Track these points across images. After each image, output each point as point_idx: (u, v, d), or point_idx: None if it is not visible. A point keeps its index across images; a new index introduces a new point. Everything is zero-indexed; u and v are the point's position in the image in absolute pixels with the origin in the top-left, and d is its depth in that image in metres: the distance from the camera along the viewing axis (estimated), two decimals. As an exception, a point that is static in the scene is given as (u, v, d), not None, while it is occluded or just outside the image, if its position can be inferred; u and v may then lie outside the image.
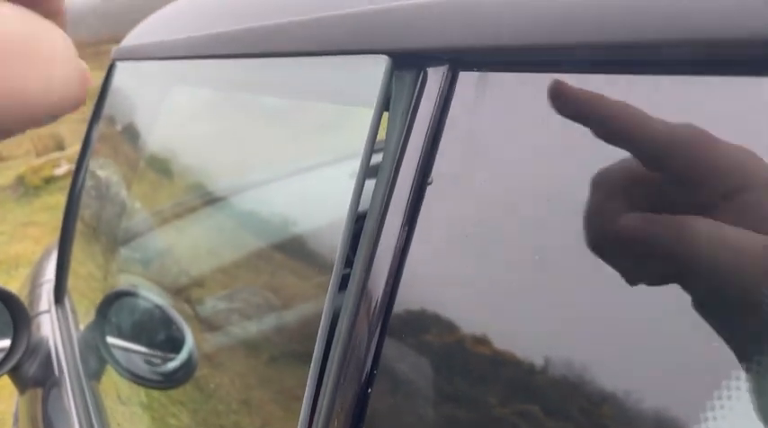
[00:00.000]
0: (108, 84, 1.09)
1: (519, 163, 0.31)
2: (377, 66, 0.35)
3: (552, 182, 0.30)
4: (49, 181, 6.36)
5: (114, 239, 1.34)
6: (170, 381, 1.04)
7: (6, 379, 3.17)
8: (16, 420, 1.98)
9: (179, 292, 1.22)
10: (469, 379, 0.35)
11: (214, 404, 0.99)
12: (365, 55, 0.36)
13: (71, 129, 9.90)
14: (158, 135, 1.11)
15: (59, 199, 6.31)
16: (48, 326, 1.33)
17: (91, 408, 0.99)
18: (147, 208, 1.37)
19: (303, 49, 0.42)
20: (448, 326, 0.36)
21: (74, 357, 1.14)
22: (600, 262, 0.28)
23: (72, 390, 1.04)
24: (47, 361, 1.23)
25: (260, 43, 0.50)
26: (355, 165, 0.43)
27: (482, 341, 0.33)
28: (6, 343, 1.22)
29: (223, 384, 1.00)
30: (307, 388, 0.43)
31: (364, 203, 0.38)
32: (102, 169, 1.28)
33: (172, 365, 1.05)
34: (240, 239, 1.21)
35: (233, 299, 1.15)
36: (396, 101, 0.35)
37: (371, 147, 0.37)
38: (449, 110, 0.33)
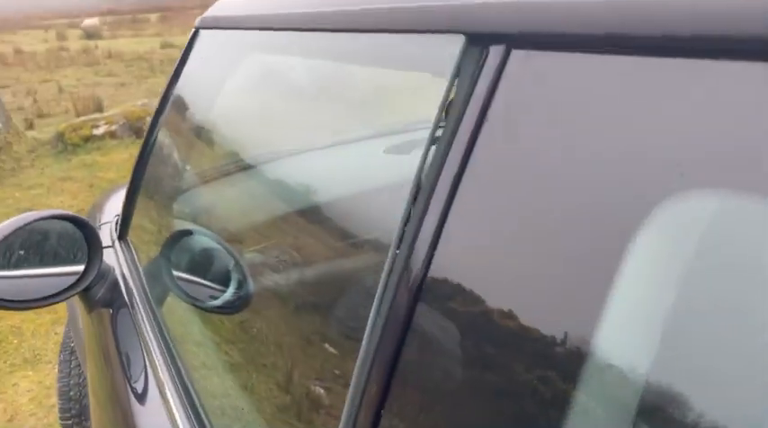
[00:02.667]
0: (189, 49, 1.25)
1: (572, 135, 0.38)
2: (454, 44, 0.46)
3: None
4: (88, 140, 6.58)
5: (176, 191, 1.51)
6: (228, 308, 1.19)
7: (46, 318, 3.37)
8: (65, 347, 2.17)
9: (231, 239, 1.38)
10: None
11: (257, 346, 1.12)
12: (443, 34, 0.47)
13: (109, 94, 10.17)
14: (230, 99, 1.26)
15: (96, 157, 6.54)
16: (113, 258, 1.50)
17: (163, 328, 1.15)
18: (207, 165, 1.53)
19: (389, 26, 0.54)
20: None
21: (141, 285, 1.31)
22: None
23: (144, 312, 1.20)
24: (114, 287, 1.40)
25: (349, 20, 0.62)
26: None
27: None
28: (80, 267, 1.40)
29: (262, 328, 1.15)
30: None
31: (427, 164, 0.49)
32: (173, 128, 1.44)
33: (228, 295, 1.21)
34: (290, 199, 1.36)
35: (274, 252, 1.30)
36: (464, 75, 0.46)
37: (440, 117, 0.47)
38: (500, 84, 0.42)
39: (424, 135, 0.48)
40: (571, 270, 0.37)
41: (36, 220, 1.33)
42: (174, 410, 0.90)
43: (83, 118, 7.14)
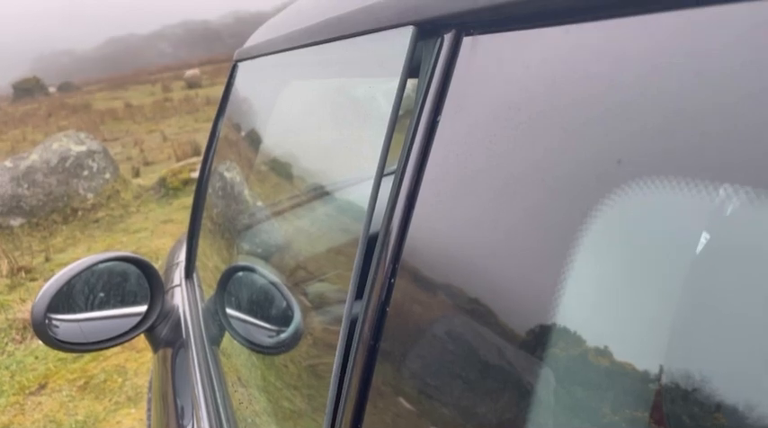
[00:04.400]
0: (231, 82, 1.25)
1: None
2: (404, 37, 0.43)
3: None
4: (187, 183, 6.93)
5: (231, 226, 1.50)
6: (277, 348, 1.16)
7: (147, 356, 3.49)
8: (151, 386, 2.22)
9: (288, 275, 1.35)
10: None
11: (309, 389, 1.07)
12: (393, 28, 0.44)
13: (206, 137, 10.75)
14: (274, 127, 1.25)
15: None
16: (179, 297, 1.51)
17: (211, 367, 1.13)
18: (261, 200, 1.52)
19: (339, 33, 0.51)
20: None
21: (198, 323, 1.30)
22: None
23: (196, 351, 1.19)
24: (176, 326, 1.40)
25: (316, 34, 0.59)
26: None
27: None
28: (144, 308, 1.42)
29: (317, 371, 1.09)
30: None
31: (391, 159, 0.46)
32: (223, 163, 1.44)
33: (280, 335, 1.17)
34: (343, 231, 1.31)
35: (331, 284, 1.25)
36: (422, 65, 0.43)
37: (398, 110, 0.45)
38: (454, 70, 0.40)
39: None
40: (540, 254, 0.34)
41: (96, 264, 1.36)
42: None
43: (182, 162, 7.54)
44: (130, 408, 3.22)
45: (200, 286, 1.52)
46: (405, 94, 0.44)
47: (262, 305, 1.23)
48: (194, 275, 1.58)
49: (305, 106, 1.01)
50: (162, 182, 7.09)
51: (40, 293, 1.29)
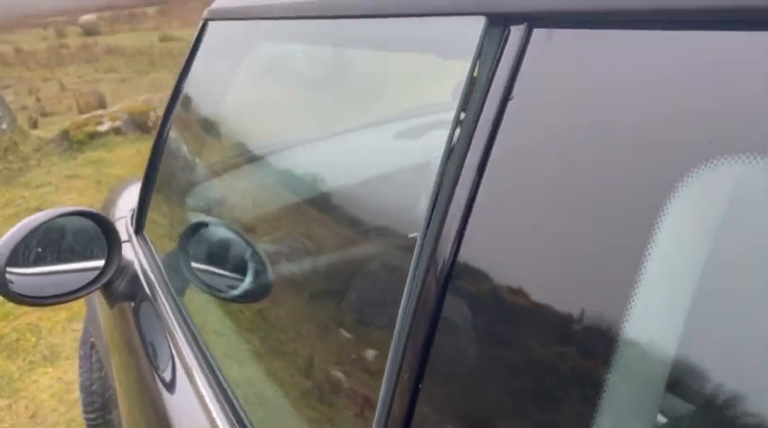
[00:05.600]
0: (199, 42, 1.26)
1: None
2: (475, 26, 0.46)
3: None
4: (93, 136, 6.60)
5: (191, 183, 1.52)
6: (248, 297, 1.21)
7: (62, 315, 3.39)
8: (84, 342, 2.20)
9: (248, 229, 1.39)
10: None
11: (280, 333, 1.14)
12: (463, 16, 0.48)
13: (111, 89, 10.18)
14: (242, 91, 1.28)
15: (102, 154, 6.55)
16: (131, 253, 1.52)
17: (187, 318, 1.17)
18: (220, 157, 1.54)
19: (408, 10, 0.55)
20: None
21: (162, 277, 1.33)
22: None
23: (167, 304, 1.22)
24: (134, 281, 1.42)
25: (366, 5, 0.64)
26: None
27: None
28: (100, 262, 1.42)
29: (284, 316, 1.16)
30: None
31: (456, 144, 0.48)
32: (185, 121, 1.45)
33: (247, 284, 1.22)
34: (305, 188, 1.37)
35: (292, 241, 1.32)
36: (486, 55, 0.46)
37: (467, 98, 0.47)
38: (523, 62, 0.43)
39: (434, 119, 0.46)
40: (604, 251, 0.36)
41: (57, 217, 1.35)
42: (204, 394, 0.93)
43: (86, 115, 7.15)
44: (47, 367, 3.13)
45: (152, 241, 1.53)
46: (470, 84, 0.47)
47: (231, 257, 1.28)
48: (145, 231, 1.59)
49: (310, 77, 1.04)
50: (65, 134, 6.70)
51: (-1, 247, 1.27)
